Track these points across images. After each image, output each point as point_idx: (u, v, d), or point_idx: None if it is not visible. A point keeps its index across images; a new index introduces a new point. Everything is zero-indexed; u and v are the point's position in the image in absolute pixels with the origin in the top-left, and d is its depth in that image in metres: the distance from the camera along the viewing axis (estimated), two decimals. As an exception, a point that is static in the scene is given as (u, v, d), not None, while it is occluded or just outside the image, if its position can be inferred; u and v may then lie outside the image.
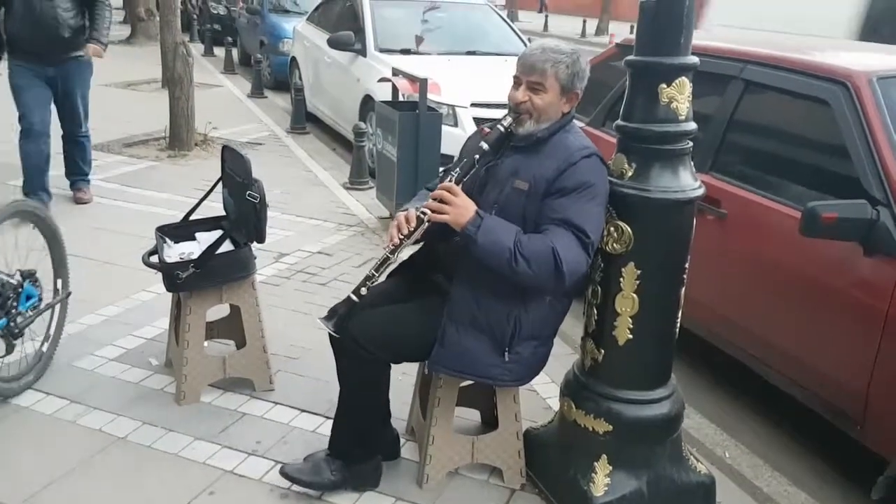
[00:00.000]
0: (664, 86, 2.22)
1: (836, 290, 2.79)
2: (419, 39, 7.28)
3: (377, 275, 2.33)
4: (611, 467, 2.43)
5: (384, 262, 2.32)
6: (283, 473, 2.51)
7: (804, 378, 2.99)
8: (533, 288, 2.30)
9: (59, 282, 3.28)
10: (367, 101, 6.69)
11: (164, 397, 3.05)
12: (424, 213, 2.28)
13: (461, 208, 2.24)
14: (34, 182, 5.05)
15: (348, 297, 2.34)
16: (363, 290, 2.33)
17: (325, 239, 4.96)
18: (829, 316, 2.84)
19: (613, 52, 4.64)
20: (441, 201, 2.26)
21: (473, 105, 6.02)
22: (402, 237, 2.30)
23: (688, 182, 2.30)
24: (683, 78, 2.23)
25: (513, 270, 2.20)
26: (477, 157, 2.35)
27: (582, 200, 2.24)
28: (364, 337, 2.34)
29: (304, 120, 8.36)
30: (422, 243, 2.53)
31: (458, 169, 2.36)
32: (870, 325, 2.64)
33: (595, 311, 2.44)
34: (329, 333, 2.39)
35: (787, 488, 2.87)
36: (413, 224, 2.30)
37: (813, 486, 2.94)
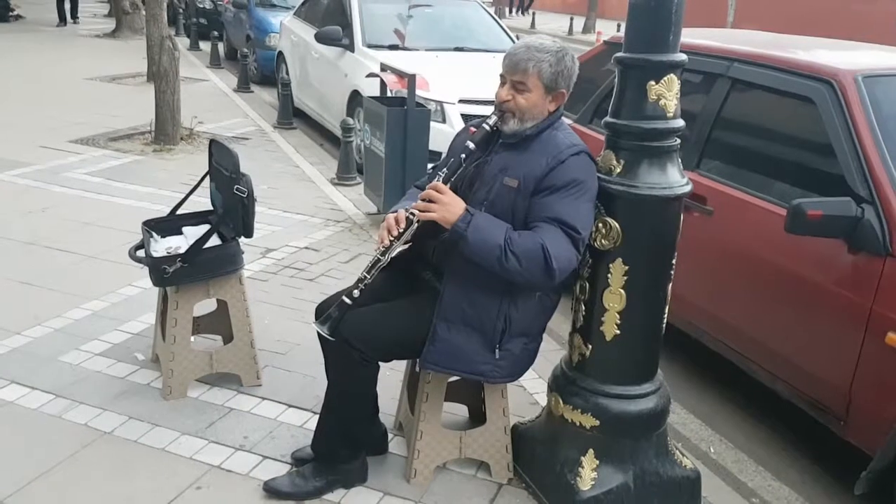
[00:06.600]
0: (653, 83, 2.23)
1: (820, 287, 2.82)
2: (400, 35, 7.25)
3: (369, 277, 2.32)
4: (597, 461, 2.45)
5: (375, 263, 2.32)
6: (267, 489, 2.50)
7: (788, 374, 3.02)
8: (523, 284, 2.31)
9: None
10: (355, 97, 6.67)
11: (151, 392, 3.04)
12: (413, 214, 2.29)
13: (450, 206, 2.25)
14: None
15: (341, 301, 2.33)
16: (356, 293, 2.32)
17: (312, 234, 4.95)
18: (813, 312, 2.86)
19: (601, 49, 4.66)
20: (430, 201, 2.26)
21: (461, 101, 6.02)
22: (392, 238, 2.30)
23: (675, 179, 2.31)
24: (672, 75, 2.24)
25: (503, 267, 2.20)
26: (464, 156, 2.35)
27: (571, 197, 2.24)
28: (354, 337, 2.33)
29: (290, 115, 8.33)
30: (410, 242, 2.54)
31: (445, 168, 2.37)
32: (853, 322, 2.67)
33: (583, 307, 2.45)
34: (318, 333, 2.38)
35: (770, 483, 2.91)
36: (403, 225, 2.30)
37: (797, 481, 2.97)
